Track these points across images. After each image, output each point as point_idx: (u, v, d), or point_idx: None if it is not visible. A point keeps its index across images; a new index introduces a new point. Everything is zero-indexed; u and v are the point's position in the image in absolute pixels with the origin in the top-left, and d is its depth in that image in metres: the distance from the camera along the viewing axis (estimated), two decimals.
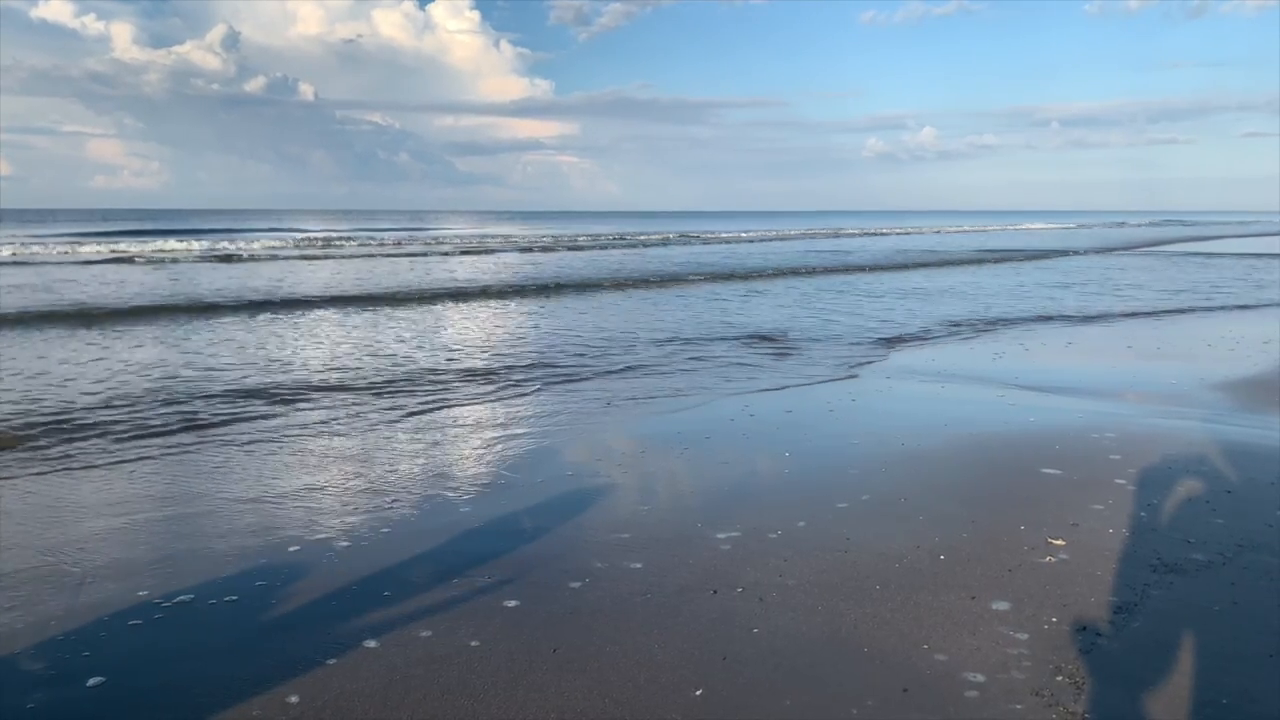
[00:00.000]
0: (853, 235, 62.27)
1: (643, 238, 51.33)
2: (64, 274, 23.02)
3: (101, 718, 3.17)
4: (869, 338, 12.81)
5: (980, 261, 32.32)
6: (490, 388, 9.17)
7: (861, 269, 28.62)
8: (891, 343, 12.41)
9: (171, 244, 35.74)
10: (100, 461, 6.38)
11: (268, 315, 15.33)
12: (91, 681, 3.38)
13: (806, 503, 5.40)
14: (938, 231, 68.50)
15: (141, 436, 7.06)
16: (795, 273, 26.84)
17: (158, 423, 7.50)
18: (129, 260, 29.07)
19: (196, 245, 34.62)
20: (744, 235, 57.35)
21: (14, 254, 29.74)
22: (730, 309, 16.76)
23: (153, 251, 32.48)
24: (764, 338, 12.74)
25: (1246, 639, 3.63)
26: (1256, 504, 5.26)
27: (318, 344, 12.13)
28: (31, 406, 8.03)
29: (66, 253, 31.07)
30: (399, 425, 7.53)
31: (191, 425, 7.44)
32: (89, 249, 32.40)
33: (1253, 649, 3.55)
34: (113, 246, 34.20)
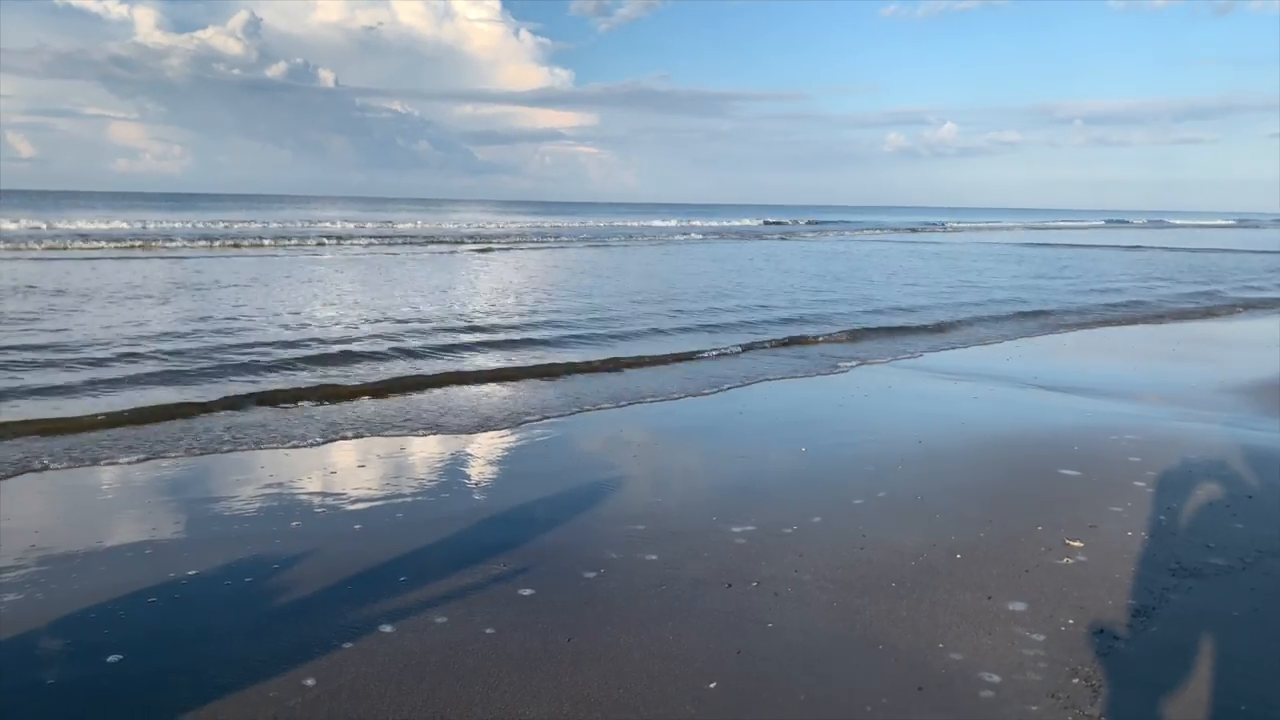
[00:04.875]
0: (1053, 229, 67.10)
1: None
2: None
3: (120, 694, 3.20)
4: None
5: None
6: None
7: None
8: None
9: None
10: (110, 444, 6.43)
11: None
12: (111, 659, 3.41)
13: (822, 498, 5.39)
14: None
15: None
16: None
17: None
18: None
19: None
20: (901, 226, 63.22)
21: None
22: None
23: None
24: None
25: (1266, 646, 3.60)
26: (1277, 509, 5.20)
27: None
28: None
29: None
30: (414, 410, 7.55)
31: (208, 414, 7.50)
32: None
33: (1272, 656, 3.52)
34: None
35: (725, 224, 62.92)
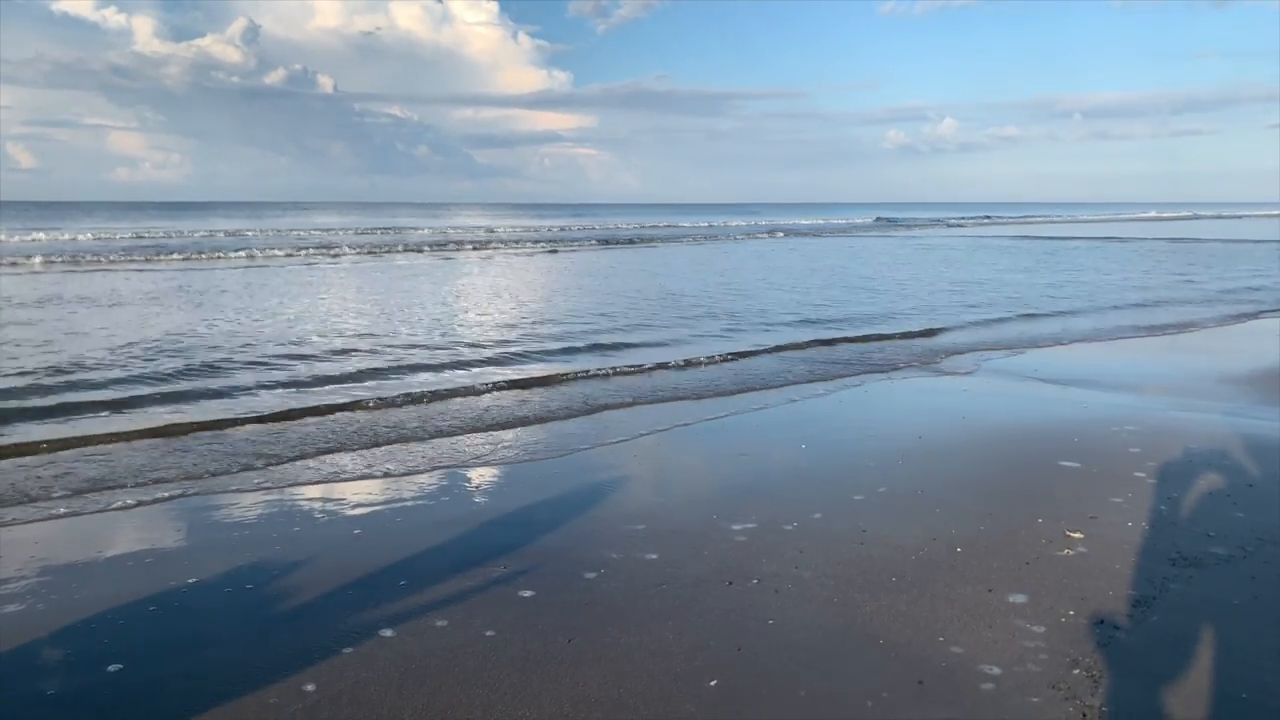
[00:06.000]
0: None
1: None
2: None
3: (121, 703, 3.20)
4: None
5: None
6: None
7: None
8: None
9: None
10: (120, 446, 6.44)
11: None
12: (111, 667, 3.41)
13: (822, 495, 5.39)
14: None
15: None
16: None
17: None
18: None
19: None
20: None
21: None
22: None
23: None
24: None
25: (1267, 633, 3.60)
26: (1278, 498, 5.20)
27: None
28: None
29: None
30: (415, 412, 7.56)
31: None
32: None
33: (1273, 644, 3.51)
34: None
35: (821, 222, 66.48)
